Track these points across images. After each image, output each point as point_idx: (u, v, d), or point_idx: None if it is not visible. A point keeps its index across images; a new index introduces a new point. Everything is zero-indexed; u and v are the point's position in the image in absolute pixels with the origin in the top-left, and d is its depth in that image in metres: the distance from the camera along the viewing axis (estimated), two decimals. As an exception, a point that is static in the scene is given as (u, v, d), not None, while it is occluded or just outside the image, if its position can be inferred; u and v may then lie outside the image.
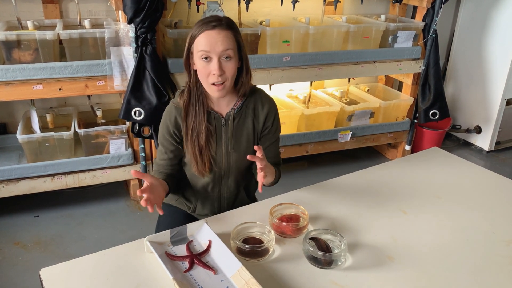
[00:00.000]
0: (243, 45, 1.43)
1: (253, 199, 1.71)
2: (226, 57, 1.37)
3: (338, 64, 2.81)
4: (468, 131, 3.64)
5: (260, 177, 1.36)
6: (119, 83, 2.36)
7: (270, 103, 1.55)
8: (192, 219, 1.62)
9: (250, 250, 1.24)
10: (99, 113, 2.63)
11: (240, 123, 1.52)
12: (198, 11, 2.56)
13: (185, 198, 1.64)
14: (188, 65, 1.44)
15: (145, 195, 1.23)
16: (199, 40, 1.36)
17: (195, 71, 1.43)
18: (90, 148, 2.51)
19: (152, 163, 2.60)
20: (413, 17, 3.21)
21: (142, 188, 1.26)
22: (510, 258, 1.31)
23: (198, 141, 1.47)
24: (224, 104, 1.50)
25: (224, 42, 1.35)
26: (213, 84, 1.39)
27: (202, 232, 1.32)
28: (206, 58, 1.36)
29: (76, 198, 2.72)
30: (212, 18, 1.37)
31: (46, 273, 1.16)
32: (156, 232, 1.56)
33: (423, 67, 3.04)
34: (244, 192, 1.65)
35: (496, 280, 1.23)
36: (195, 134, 1.46)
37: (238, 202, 1.64)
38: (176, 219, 1.60)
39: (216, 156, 1.51)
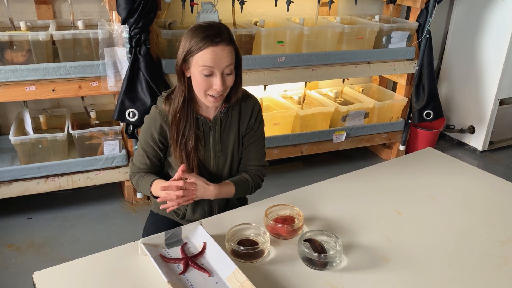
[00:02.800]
0: (240, 56, 1.43)
1: (243, 202, 1.70)
2: (228, 73, 1.37)
3: (333, 65, 2.81)
4: (462, 131, 3.66)
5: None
6: (113, 84, 2.35)
7: (253, 101, 1.57)
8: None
9: (245, 252, 1.23)
10: (92, 114, 2.61)
11: (227, 126, 1.52)
12: (192, 12, 2.55)
13: None
14: (181, 71, 1.41)
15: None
16: (202, 55, 1.33)
17: (189, 78, 1.42)
18: (83, 149, 2.49)
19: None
20: (407, 17, 3.22)
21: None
22: (505, 258, 1.31)
23: (186, 147, 1.46)
24: (211, 109, 1.50)
25: (227, 58, 1.34)
26: (210, 95, 1.39)
27: (197, 234, 1.31)
28: (208, 73, 1.35)
29: (70, 200, 2.71)
30: (213, 31, 1.33)
31: (39, 277, 1.15)
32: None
33: (417, 68, 3.05)
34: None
35: (491, 280, 1.23)
36: (183, 140, 1.45)
37: (229, 207, 1.62)
38: (161, 229, 1.60)
39: (204, 160, 1.51)
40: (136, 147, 2.49)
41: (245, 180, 1.55)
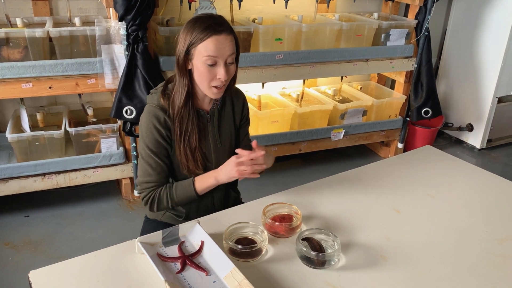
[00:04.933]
0: (239, 47, 1.43)
1: (237, 192, 1.73)
2: (230, 62, 1.37)
3: (331, 62, 2.81)
4: (460, 129, 3.65)
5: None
6: (110, 81, 2.34)
7: (242, 93, 1.61)
8: None
9: (243, 250, 1.23)
10: (90, 111, 2.60)
11: (222, 118, 1.54)
12: (190, 9, 2.54)
13: (173, 209, 1.58)
14: (184, 65, 1.39)
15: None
16: (205, 44, 1.32)
17: (189, 70, 1.40)
18: (81, 147, 2.48)
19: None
20: (406, 15, 3.22)
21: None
22: (503, 257, 1.31)
23: (190, 142, 1.45)
24: (207, 101, 1.50)
25: (230, 46, 1.35)
26: (215, 86, 1.39)
27: (194, 233, 1.30)
28: (212, 63, 1.34)
29: (67, 197, 2.70)
30: (213, 20, 1.33)
31: (35, 276, 1.14)
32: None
33: (416, 65, 3.05)
34: (231, 188, 1.67)
35: (490, 278, 1.23)
36: (187, 136, 1.45)
37: (230, 200, 1.65)
38: None
39: (207, 153, 1.51)
40: (133, 144, 2.50)
41: None
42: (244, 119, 1.61)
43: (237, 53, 1.42)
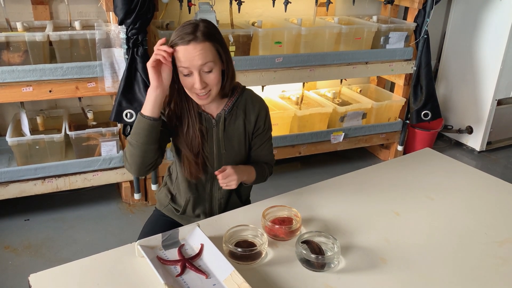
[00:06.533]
0: (224, 49, 1.38)
1: (245, 203, 1.70)
2: (207, 71, 1.34)
3: (330, 65, 2.81)
4: (459, 131, 3.66)
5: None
6: (110, 85, 2.34)
7: (260, 103, 1.55)
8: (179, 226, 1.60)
9: (242, 253, 1.23)
10: (90, 115, 2.60)
11: (231, 124, 1.51)
12: (189, 12, 2.54)
13: (174, 202, 1.63)
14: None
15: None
16: (177, 54, 1.32)
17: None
18: (81, 150, 2.48)
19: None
20: (405, 18, 3.23)
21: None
22: (503, 259, 1.31)
23: (192, 146, 1.46)
24: (214, 106, 1.49)
25: (201, 56, 1.30)
26: (196, 93, 1.37)
27: (194, 236, 1.30)
28: (186, 73, 1.33)
29: (67, 201, 2.70)
30: (188, 29, 1.31)
31: (35, 279, 1.14)
32: (139, 237, 1.55)
33: (415, 68, 3.05)
34: (236, 195, 1.64)
35: (489, 281, 1.23)
36: (189, 137, 1.46)
37: (230, 205, 1.63)
38: (158, 228, 1.59)
39: (208, 156, 1.51)
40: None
41: (262, 166, 1.59)
42: (258, 130, 1.54)
43: (222, 59, 1.37)
